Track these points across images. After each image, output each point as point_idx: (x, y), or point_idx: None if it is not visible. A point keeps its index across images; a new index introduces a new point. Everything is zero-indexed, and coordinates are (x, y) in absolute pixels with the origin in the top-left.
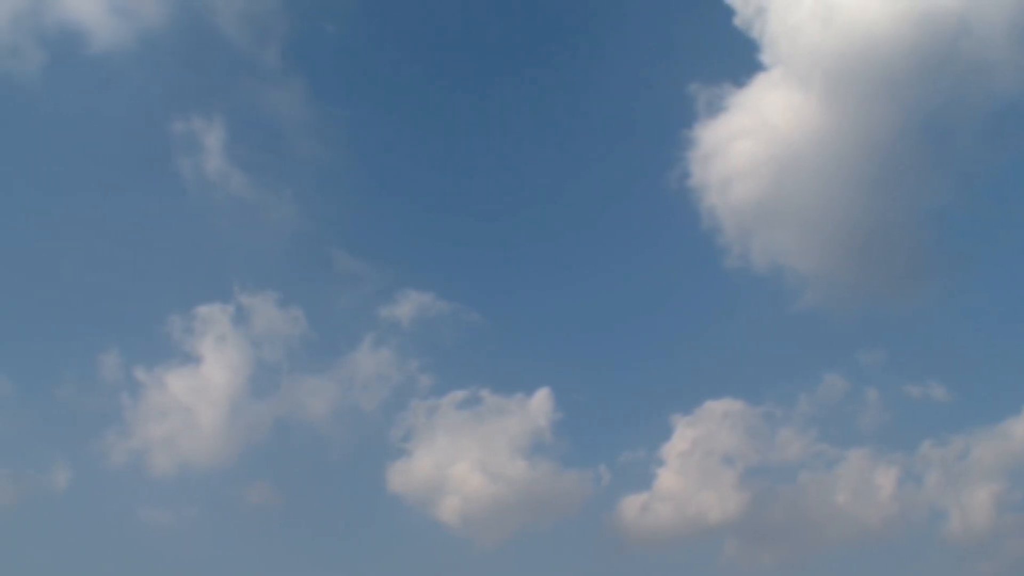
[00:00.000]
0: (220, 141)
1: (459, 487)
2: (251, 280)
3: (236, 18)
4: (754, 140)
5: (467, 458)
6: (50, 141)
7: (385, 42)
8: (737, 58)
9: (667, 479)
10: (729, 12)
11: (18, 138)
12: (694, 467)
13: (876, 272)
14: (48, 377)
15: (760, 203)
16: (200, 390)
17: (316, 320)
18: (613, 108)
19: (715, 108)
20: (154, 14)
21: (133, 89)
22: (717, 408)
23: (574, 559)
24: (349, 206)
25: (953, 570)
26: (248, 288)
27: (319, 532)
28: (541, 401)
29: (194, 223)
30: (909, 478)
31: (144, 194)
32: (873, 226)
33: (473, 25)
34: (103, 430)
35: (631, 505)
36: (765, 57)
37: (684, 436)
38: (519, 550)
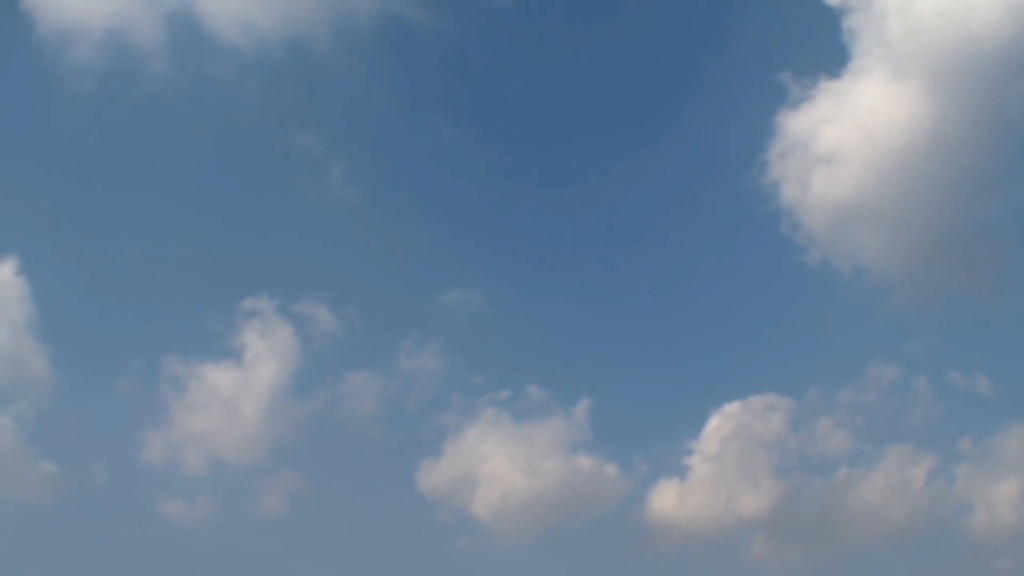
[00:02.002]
0: None
1: (494, 483)
2: (297, 276)
3: None
4: (844, 132)
5: (504, 454)
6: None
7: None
8: (831, 49)
9: (702, 474)
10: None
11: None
12: (730, 463)
13: (959, 274)
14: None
15: (843, 197)
16: (242, 386)
17: (361, 317)
18: (700, 96)
19: (805, 99)
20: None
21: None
22: (758, 403)
23: (606, 553)
24: (399, 203)
25: (973, 567)
26: (294, 284)
27: (350, 527)
28: (582, 398)
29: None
30: (941, 473)
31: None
32: (962, 228)
33: None
34: (146, 425)
35: (665, 500)
36: (860, 48)
37: (721, 431)
38: (552, 544)
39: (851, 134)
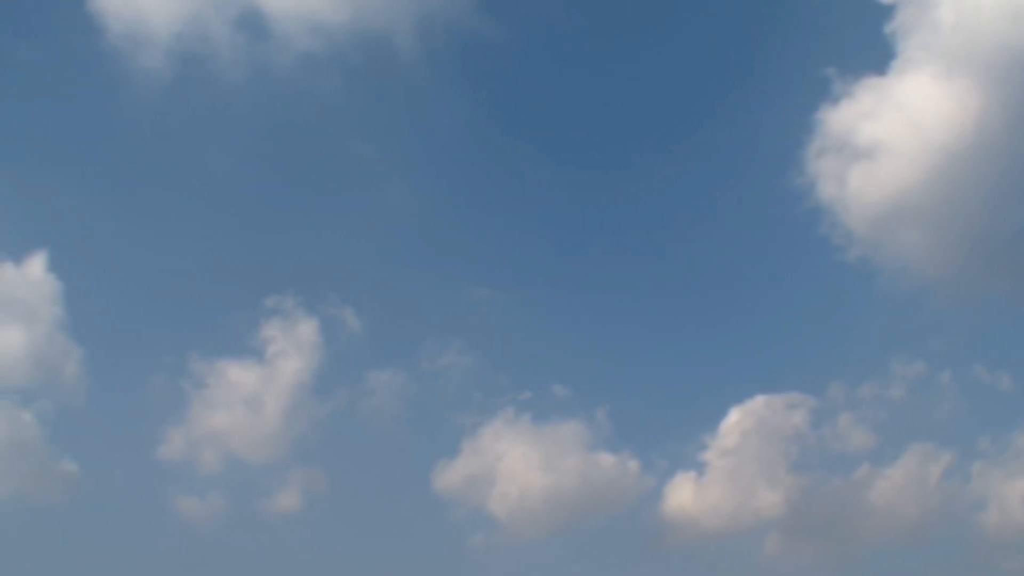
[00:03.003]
0: None
1: (513, 481)
2: (321, 274)
3: None
4: (887, 129)
5: (524, 452)
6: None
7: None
8: (877, 44)
9: (720, 471)
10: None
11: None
12: (749, 459)
13: (1000, 277)
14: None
15: (883, 195)
16: (264, 384)
17: (385, 316)
18: (742, 90)
19: (848, 94)
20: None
21: None
22: (779, 399)
23: (622, 550)
24: (423, 203)
25: (985, 565)
26: (318, 282)
27: (368, 524)
28: (604, 395)
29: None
30: (958, 471)
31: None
32: (1005, 230)
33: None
34: (168, 423)
35: (683, 497)
36: (907, 44)
37: (740, 426)
38: (569, 541)
39: (895, 131)
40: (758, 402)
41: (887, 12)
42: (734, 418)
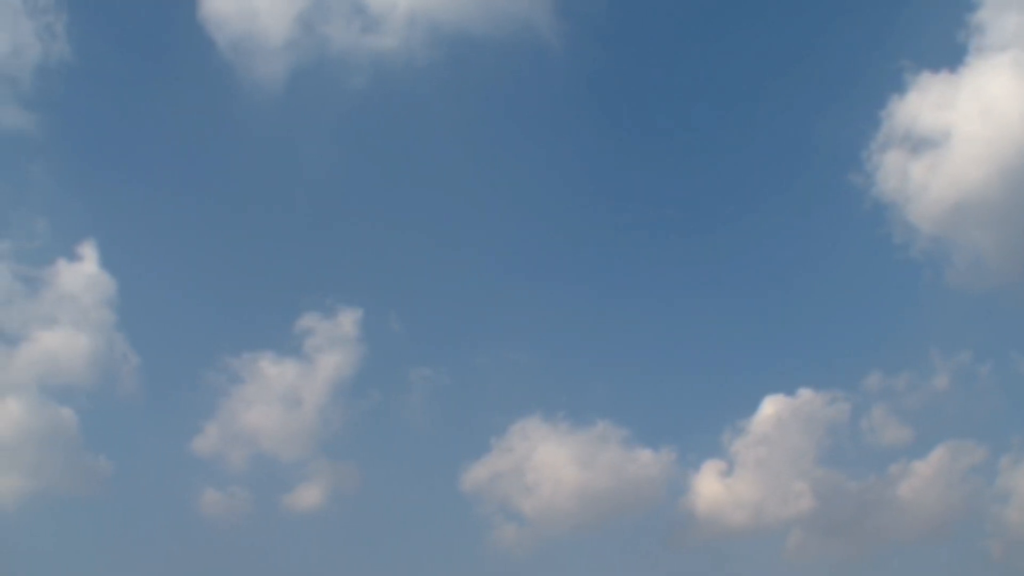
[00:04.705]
0: None
1: (543, 478)
2: (362, 275)
3: None
4: (959, 124)
5: (554, 450)
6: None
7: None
8: (951, 37)
9: (749, 466)
10: None
11: None
12: (781, 453)
13: None
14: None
15: (950, 191)
16: (301, 380)
17: (425, 316)
18: (813, 79)
19: (919, 88)
20: None
21: None
22: (812, 394)
23: (650, 544)
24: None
25: (1010, 564)
26: (359, 280)
27: (398, 520)
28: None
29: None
30: (987, 467)
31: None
32: None
33: None
34: (204, 419)
35: (709, 492)
36: (982, 39)
37: (774, 420)
38: (592, 537)
39: (966, 125)
40: (793, 396)
41: (965, 3)
42: (767, 410)
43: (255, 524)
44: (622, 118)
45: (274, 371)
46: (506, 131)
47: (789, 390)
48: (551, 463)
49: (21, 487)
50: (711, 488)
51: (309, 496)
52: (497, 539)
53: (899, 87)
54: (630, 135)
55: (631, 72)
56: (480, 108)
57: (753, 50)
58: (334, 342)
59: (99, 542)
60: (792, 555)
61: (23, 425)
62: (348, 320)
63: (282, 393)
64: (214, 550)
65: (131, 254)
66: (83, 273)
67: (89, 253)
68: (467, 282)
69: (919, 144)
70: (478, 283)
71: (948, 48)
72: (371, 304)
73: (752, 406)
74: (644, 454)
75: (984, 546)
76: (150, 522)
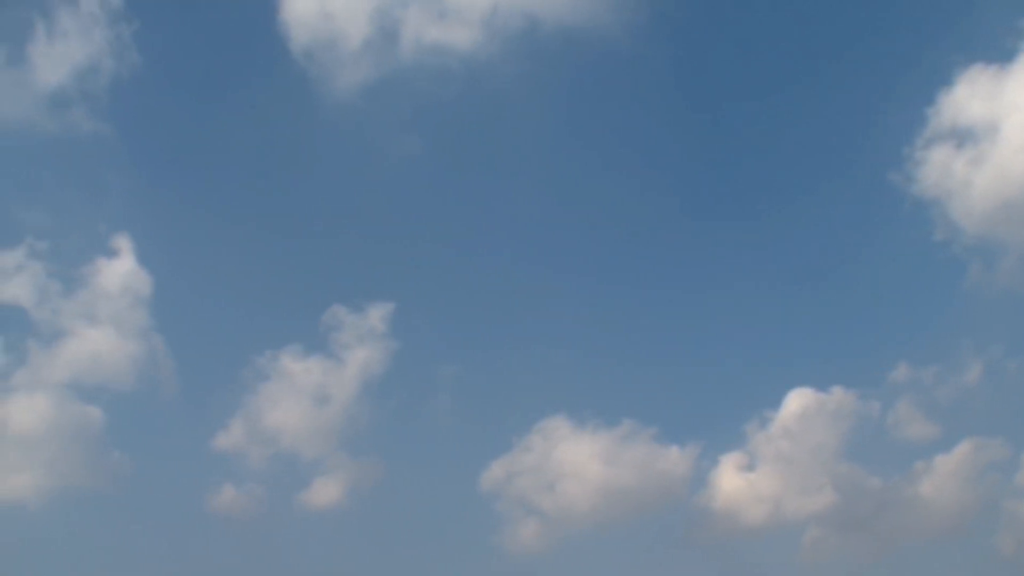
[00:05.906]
0: None
1: (571, 475)
2: (392, 273)
3: None
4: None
5: (577, 448)
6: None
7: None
8: (1000, 34)
9: (770, 462)
10: None
11: None
12: (805, 450)
13: None
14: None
15: (993, 187)
16: (328, 378)
17: (453, 316)
18: (858, 73)
19: (966, 83)
20: None
21: None
22: (840, 392)
23: (671, 541)
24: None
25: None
26: (388, 281)
27: (419, 516)
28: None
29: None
30: (1007, 464)
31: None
32: None
33: None
34: (229, 417)
35: (729, 487)
36: None
37: (798, 416)
38: (610, 535)
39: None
40: (819, 389)
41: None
42: (792, 404)
43: (273, 520)
44: (671, 113)
45: (300, 367)
46: (547, 127)
47: (816, 383)
48: (573, 461)
49: (42, 483)
50: (731, 482)
51: (328, 492)
52: (515, 537)
53: (947, 81)
54: (672, 130)
55: (690, 66)
56: (539, 103)
57: (800, 45)
58: (362, 339)
59: (116, 538)
60: (809, 552)
61: (49, 421)
62: (376, 317)
63: (308, 390)
64: (232, 546)
65: (165, 251)
66: (119, 271)
67: (126, 248)
68: (497, 280)
69: (965, 138)
70: (508, 281)
71: (1002, 41)
72: (400, 301)
73: (777, 399)
74: (670, 451)
75: (997, 542)
76: (168, 518)
